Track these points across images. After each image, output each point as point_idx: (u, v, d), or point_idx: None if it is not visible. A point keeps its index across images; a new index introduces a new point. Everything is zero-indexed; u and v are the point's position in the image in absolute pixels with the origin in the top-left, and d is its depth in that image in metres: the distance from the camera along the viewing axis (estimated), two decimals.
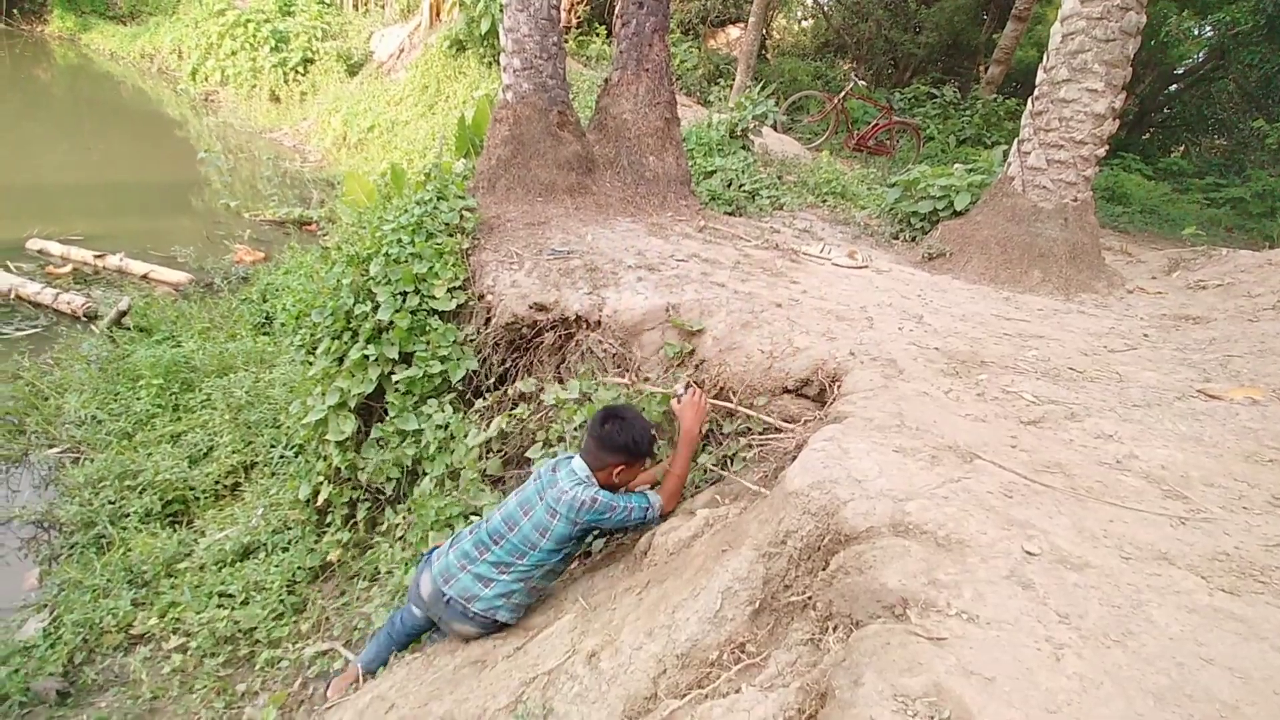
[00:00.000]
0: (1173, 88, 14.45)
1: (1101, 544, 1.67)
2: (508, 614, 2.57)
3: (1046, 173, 4.68)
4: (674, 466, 2.61)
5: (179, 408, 5.13)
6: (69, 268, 7.27)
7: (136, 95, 15.68)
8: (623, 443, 2.46)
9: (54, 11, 18.90)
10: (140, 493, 4.30)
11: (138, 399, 5.11)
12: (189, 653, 3.37)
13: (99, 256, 7.39)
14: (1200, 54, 13.40)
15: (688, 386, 2.77)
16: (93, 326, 6.25)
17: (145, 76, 16.80)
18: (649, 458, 2.60)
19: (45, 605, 3.68)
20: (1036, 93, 4.77)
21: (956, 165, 5.94)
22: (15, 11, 18.94)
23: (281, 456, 4.56)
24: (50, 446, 4.86)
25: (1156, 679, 1.24)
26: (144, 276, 7.27)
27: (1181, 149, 15.45)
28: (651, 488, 2.64)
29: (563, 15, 5.06)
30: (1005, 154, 5.50)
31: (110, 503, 4.24)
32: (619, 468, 2.49)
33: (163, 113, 14.50)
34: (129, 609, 3.57)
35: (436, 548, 2.77)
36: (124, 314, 6.24)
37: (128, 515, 4.17)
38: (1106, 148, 4.66)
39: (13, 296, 6.52)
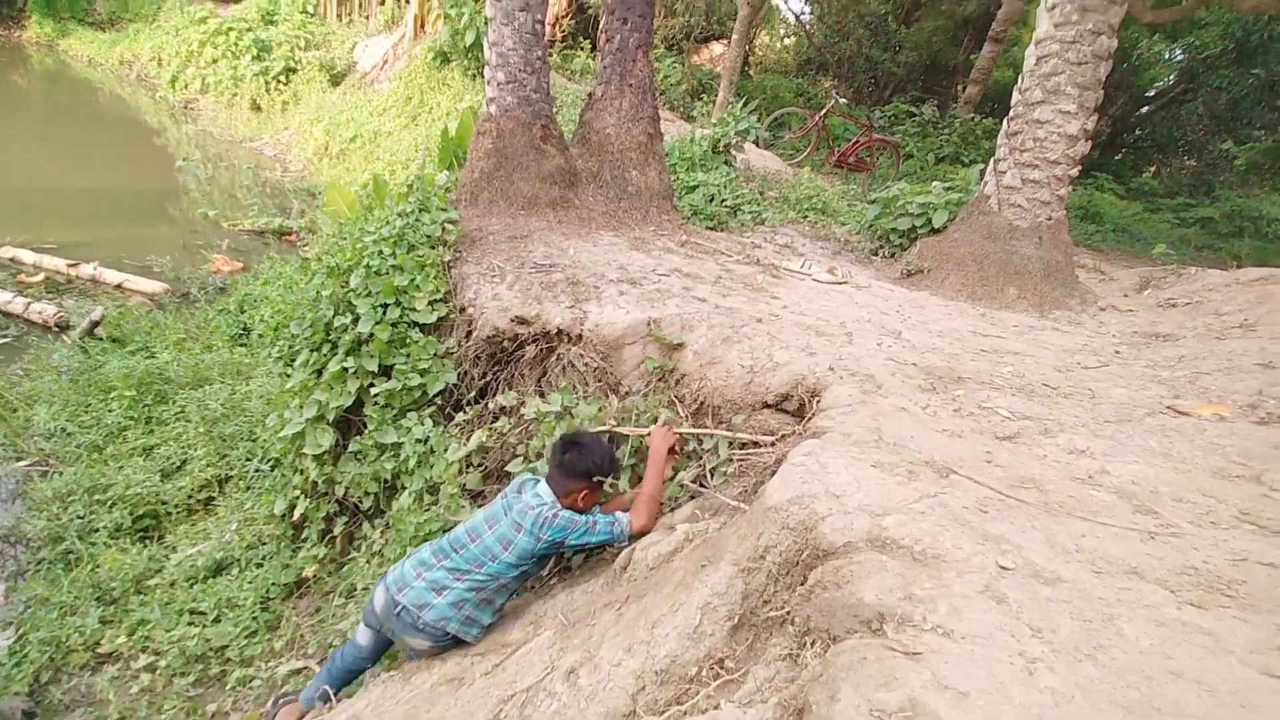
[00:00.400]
0: (1144, 109, 14.84)
1: (1074, 558, 1.69)
2: (457, 626, 2.55)
3: (1021, 191, 4.77)
4: (644, 485, 2.62)
5: (152, 420, 5.04)
6: (41, 276, 7.15)
7: (114, 102, 15.51)
8: (584, 469, 2.51)
9: (32, 17, 18.68)
10: (110, 507, 4.22)
11: (109, 411, 5.02)
12: (158, 672, 3.30)
13: (72, 265, 7.27)
14: (1171, 77, 13.79)
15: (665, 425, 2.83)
16: (65, 337, 6.14)
17: (124, 83, 16.62)
18: (612, 480, 2.65)
19: (11, 623, 3.59)
20: (1011, 113, 4.87)
21: (935, 183, 6.04)
22: None
23: (257, 470, 4.49)
24: (18, 459, 4.75)
25: (1127, 692, 1.26)
26: (118, 286, 7.16)
27: (1153, 169, 15.85)
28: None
29: (547, 30, 5.10)
30: (982, 173, 5.61)
31: (79, 517, 4.15)
32: (582, 492, 2.54)
33: (141, 120, 14.35)
34: (97, 627, 3.49)
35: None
36: (97, 324, 6.14)
37: (97, 530, 4.09)
38: (1079, 168, 4.77)
39: None
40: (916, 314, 3.98)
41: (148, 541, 4.13)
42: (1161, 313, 4.59)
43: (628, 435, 2.94)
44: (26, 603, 3.68)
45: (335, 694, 2.84)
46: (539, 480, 2.61)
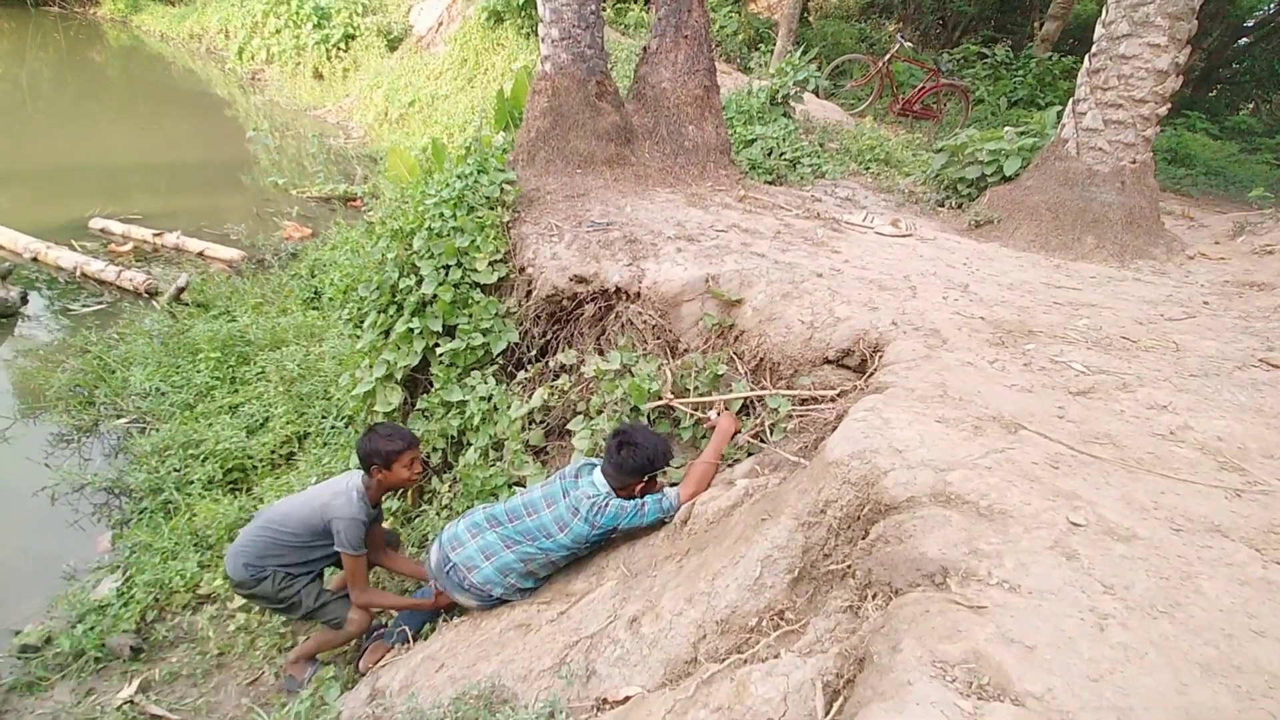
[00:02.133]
0: (1242, 41, 13.63)
1: (1151, 516, 1.64)
2: (502, 590, 2.71)
3: (1103, 134, 4.49)
4: (701, 460, 2.67)
5: (236, 380, 5.32)
6: (130, 246, 7.55)
7: (187, 76, 16.05)
8: (639, 464, 2.57)
9: None
10: (202, 461, 4.50)
11: (197, 372, 5.32)
12: (251, 612, 3.55)
13: (157, 235, 7.65)
14: (1272, 5, 12.57)
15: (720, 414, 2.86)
16: (154, 302, 6.51)
17: (194, 57, 17.16)
18: (667, 468, 2.71)
19: (118, 566, 3.90)
20: (1094, 49, 4.55)
21: (1007, 128, 5.73)
22: None
23: (333, 427, 4.71)
24: (118, 417, 5.10)
25: (1204, 650, 1.23)
26: (200, 254, 7.51)
27: (1251, 106, 14.62)
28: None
29: None
30: (1059, 115, 5.28)
31: (175, 470, 4.45)
32: (639, 484, 2.62)
33: (212, 92, 14.82)
34: (196, 570, 3.76)
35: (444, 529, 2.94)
36: (182, 290, 6.47)
37: (192, 482, 4.38)
38: (1169, 106, 4.45)
39: (78, 274, 6.81)
40: (985, 266, 3.83)
41: (237, 493, 4.40)
42: (1256, 260, 4.29)
43: (686, 411, 2.96)
44: (131, 549, 3.99)
45: (413, 634, 3.02)
46: (595, 467, 2.69)
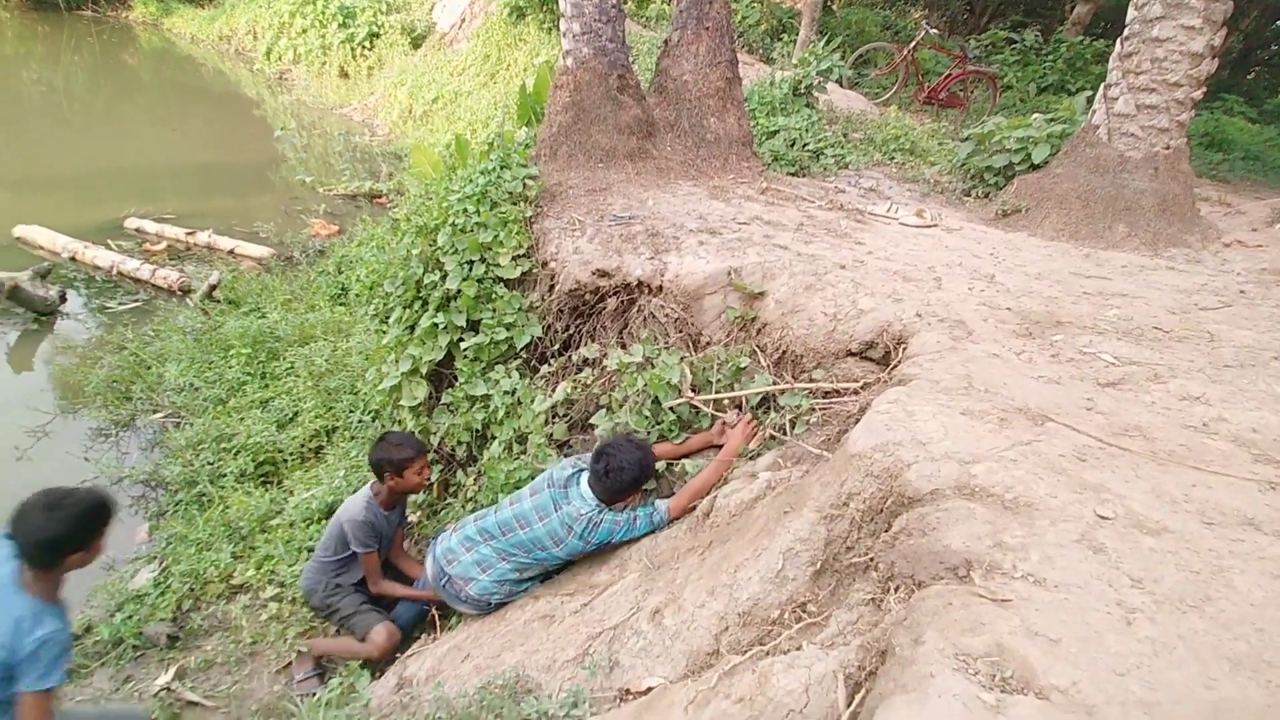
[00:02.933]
0: None
1: (1182, 509, 1.61)
2: (500, 598, 2.81)
3: (1135, 119, 4.38)
4: (703, 474, 2.69)
5: (266, 375, 5.43)
6: (163, 245, 7.73)
7: (216, 76, 16.33)
8: (626, 485, 2.59)
9: None
10: (235, 455, 4.60)
11: (229, 367, 5.44)
12: (284, 601, 3.63)
13: (189, 234, 7.82)
14: None
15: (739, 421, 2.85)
16: (187, 300, 6.65)
17: (224, 58, 17.45)
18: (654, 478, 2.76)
19: (155, 557, 4.01)
20: (1126, 32, 4.44)
21: (1035, 115, 5.62)
22: None
23: (360, 421, 4.79)
24: (154, 412, 5.24)
25: (1235, 645, 1.21)
26: (230, 251, 7.66)
27: None
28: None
29: None
30: (1090, 101, 5.17)
31: (209, 464, 4.56)
32: (630, 498, 2.66)
33: (241, 93, 15.07)
34: (229, 561, 3.86)
35: (443, 530, 3.04)
36: (214, 288, 6.61)
37: (225, 475, 4.48)
38: (1204, 90, 4.33)
39: (114, 273, 6.99)
40: (1012, 256, 3.77)
41: (269, 486, 4.50)
42: None
43: (706, 411, 2.96)
44: (168, 540, 4.10)
45: (408, 625, 3.26)
46: (582, 473, 2.71)
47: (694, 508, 2.61)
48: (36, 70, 14.99)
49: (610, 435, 2.80)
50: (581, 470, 2.75)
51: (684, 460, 2.88)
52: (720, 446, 2.80)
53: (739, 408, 2.92)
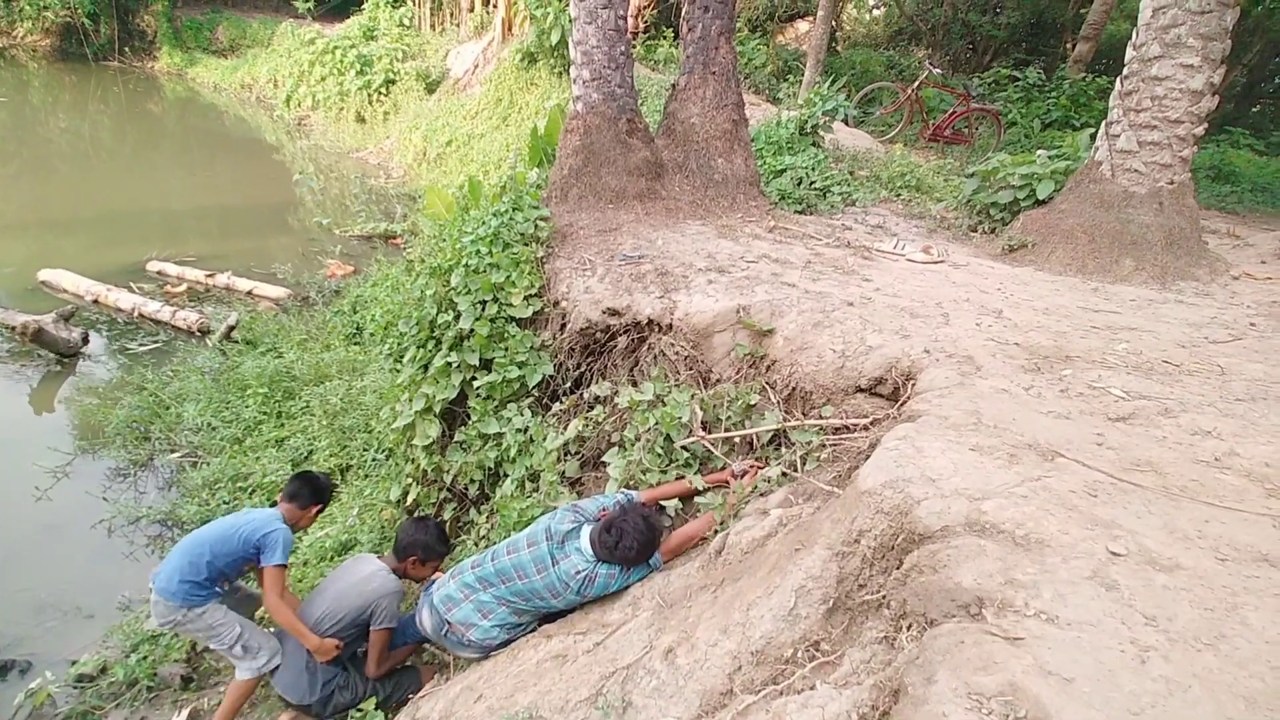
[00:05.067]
0: None
1: (1195, 545, 1.60)
2: (504, 639, 2.83)
3: (1138, 155, 4.44)
4: (695, 524, 2.74)
5: (282, 414, 5.51)
6: (184, 287, 7.91)
7: (238, 123, 16.84)
8: (633, 558, 2.63)
9: (163, 49, 20.53)
10: (250, 494, 4.65)
11: (246, 407, 5.52)
12: None
13: (209, 275, 8.00)
14: None
15: (745, 471, 2.87)
16: (206, 340, 6.78)
17: (245, 105, 18.01)
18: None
19: None
20: (1125, 71, 4.52)
21: (1039, 152, 5.69)
22: (127, 50, 20.69)
23: (374, 459, 4.83)
24: (172, 451, 5.31)
25: (1250, 683, 1.20)
26: (249, 293, 7.82)
27: None
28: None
29: (630, 22, 5.15)
30: (1093, 137, 5.24)
31: (225, 503, 4.61)
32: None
33: (261, 138, 15.51)
34: None
35: (433, 581, 3.07)
36: (232, 328, 6.74)
37: None
38: (1206, 125, 4.38)
39: (136, 315, 7.15)
40: (1019, 291, 3.79)
41: None
42: None
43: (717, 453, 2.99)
44: None
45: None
46: (581, 528, 2.74)
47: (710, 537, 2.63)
48: (64, 118, 15.52)
49: (624, 506, 2.80)
50: (581, 525, 2.77)
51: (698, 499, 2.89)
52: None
53: (750, 445, 2.94)
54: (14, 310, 6.61)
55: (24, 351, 6.32)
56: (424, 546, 3.13)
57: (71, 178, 11.97)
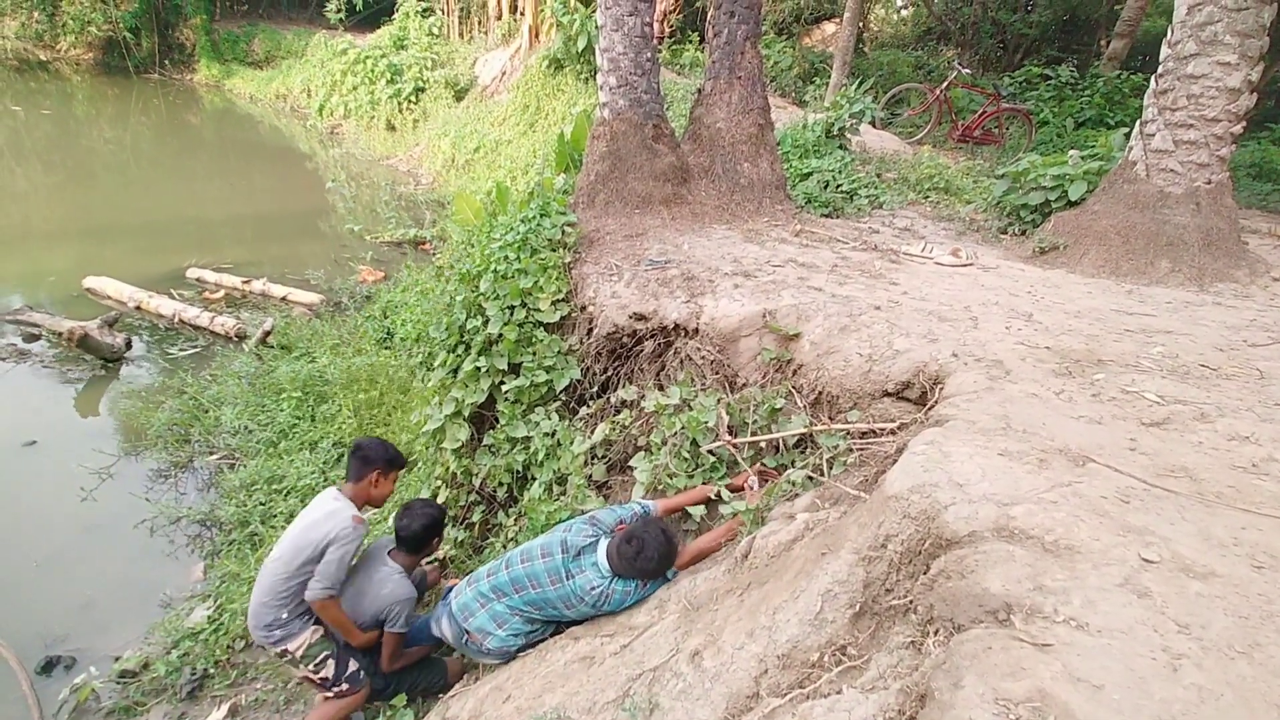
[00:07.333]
0: None
1: (1231, 552, 1.58)
2: (522, 644, 2.85)
3: (1174, 155, 4.35)
4: (712, 535, 2.75)
5: (315, 418, 5.62)
6: (222, 293, 8.12)
7: (273, 133, 17.23)
8: (652, 571, 2.65)
9: (201, 61, 21.10)
10: (285, 496, 4.76)
11: (281, 410, 5.65)
12: None
13: (245, 282, 8.20)
14: None
15: (760, 473, 2.88)
16: (243, 346, 6.95)
17: (280, 115, 18.42)
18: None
19: (210, 595, 4.14)
20: (1161, 70, 4.44)
21: (1071, 152, 5.61)
22: (167, 63, 21.30)
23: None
24: (211, 454, 5.45)
25: None
26: (283, 298, 8.00)
27: None
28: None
29: (655, 27, 5.19)
30: (1126, 137, 5.14)
31: (261, 504, 4.72)
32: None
33: (295, 147, 15.86)
34: None
35: (452, 586, 3.08)
36: (268, 334, 6.90)
37: (275, 515, 4.63)
38: (1244, 124, 4.28)
39: (176, 321, 7.36)
40: (1050, 294, 3.74)
41: None
42: None
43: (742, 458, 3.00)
44: (222, 578, 4.24)
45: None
46: (597, 543, 2.76)
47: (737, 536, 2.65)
48: (107, 130, 16.01)
49: (643, 518, 2.82)
50: (598, 539, 2.78)
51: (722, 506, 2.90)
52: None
53: (776, 449, 2.94)
54: (60, 316, 6.85)
55: (70, 356, 6.54)
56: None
57: (114, 187, 12.35)
